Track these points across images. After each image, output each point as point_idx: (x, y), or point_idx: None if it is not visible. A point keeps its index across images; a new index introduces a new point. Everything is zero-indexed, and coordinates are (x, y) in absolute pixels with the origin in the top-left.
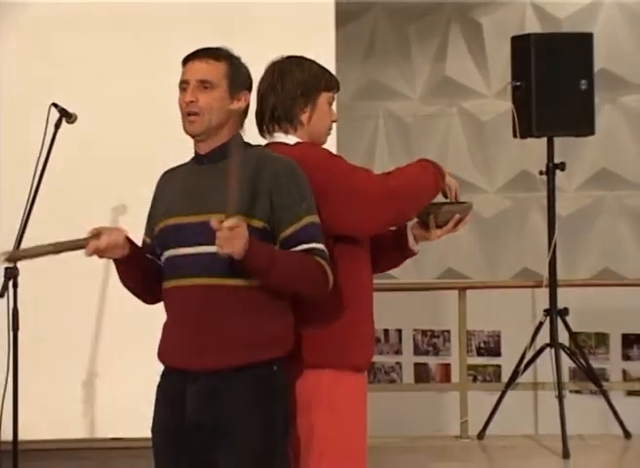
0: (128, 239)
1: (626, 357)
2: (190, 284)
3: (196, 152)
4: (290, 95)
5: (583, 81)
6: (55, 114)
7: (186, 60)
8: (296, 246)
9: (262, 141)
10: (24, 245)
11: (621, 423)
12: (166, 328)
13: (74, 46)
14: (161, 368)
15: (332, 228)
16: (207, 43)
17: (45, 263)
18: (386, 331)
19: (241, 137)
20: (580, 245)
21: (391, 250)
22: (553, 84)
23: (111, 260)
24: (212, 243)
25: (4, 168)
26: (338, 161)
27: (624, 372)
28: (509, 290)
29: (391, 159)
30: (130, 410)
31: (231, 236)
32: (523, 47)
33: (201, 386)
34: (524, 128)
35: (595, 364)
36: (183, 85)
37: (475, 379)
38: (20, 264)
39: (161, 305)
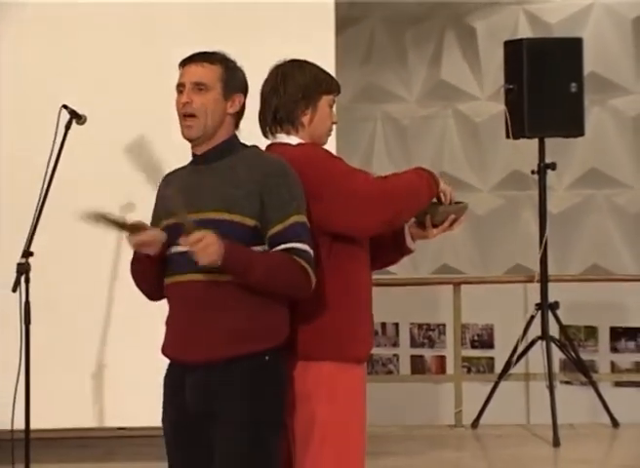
0: None
1: (614, 349)
2: (187, 279)
3: (193, 153)
4: (292, 97)
5: (573, 84)
6: (65, 116)
7: (183, 64)
8: (281, 244)
9: (263, 142)
10: (35, 244)
11: (610, 413)
12: (167, 322)
13: (83, 46)
14: (165, 360)
15: (330, 227)
16: (213, 45)
17: (55, 259)
18: (384, 325)
19: (237, 138)
20: (571, 242)
21: (389, 247)
22: (544, 87)
23: (119, 257)
24: None
25: (14, 168)
26: (337, 163)
27: (612, 364)
28: (502, 285)
29: (389, 159)
30: (136, 401)
31: (202, 248)
32: (515, 51)
33: (197, 378)
34: (516, 129)
35: (584, 356)
36: (180, 87)
37: (469, 371)
38: (31, 260)
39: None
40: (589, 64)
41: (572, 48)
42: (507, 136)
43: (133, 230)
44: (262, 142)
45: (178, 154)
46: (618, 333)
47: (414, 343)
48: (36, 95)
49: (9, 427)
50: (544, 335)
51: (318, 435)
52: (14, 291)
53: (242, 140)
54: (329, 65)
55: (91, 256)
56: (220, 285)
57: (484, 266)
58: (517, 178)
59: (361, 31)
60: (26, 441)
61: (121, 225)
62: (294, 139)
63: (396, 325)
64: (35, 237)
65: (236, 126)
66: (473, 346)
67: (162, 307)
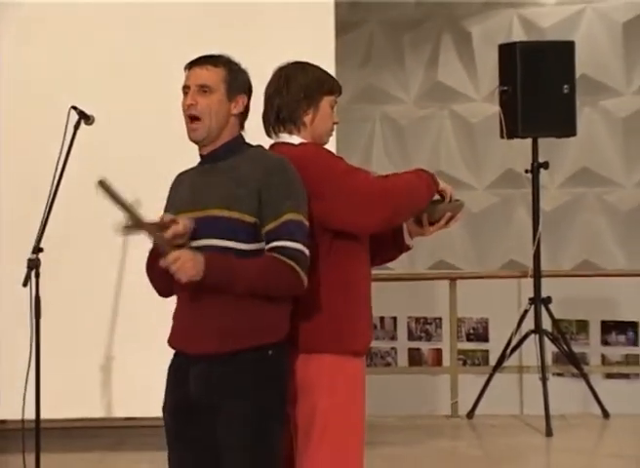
0: None
1: (605, 342)
2: None
3: (200, 154)
4: (294, 98)
5: (566, 86)
6: (74, 116)
7: (188, 67)
8: (271, 241)
9: (266, 141)
10: (45, 241)
11: (600, 404)
12: (174, 315)
13: (91, 47)
14: (171, 352)
15: (331, 225)
16: (216, 46)
17: (64, 255)
18: (382, 319)
19: (242, 138)
20: (563, 238)
21: (388, 245)
22: (538, 88)
23: (127, 253)
24: (210, 237)
25: (24, 167)
26: (339, 162)
27: (603, 357)
28: (497, 280)
29: (387, 158)
30: (144, 392)
31: (179, 266)
32: (510, 54)
33: (200, 369)
34: (510, 129)
35: (576, 349)
36: (185, 89)
37: (465, 363)
38: (41, 256)
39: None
40: (581, 67)
41: (564, 51)
42: (502, 137)
43: (163, 227)
44: (260, 141)
45: (187, 153)
46: (608, 327)
47: (411, 337)
48: (46, 95)
49: (20, 417)
50: (537, 329)
51: (319, 425)
52: (24, 285)
53: (248, 140)
54: (329, 67)
55: (99, 253)
56: None
57: (479, 262)
58: (511, 177)
59: (360, 34)
60: (37, 430)
61: (149, 226)
62: (296, 139)
63: (394, 319)
64: (45, 233)
65: (241, 126)
66: (469, 339)
67: (168, 301)
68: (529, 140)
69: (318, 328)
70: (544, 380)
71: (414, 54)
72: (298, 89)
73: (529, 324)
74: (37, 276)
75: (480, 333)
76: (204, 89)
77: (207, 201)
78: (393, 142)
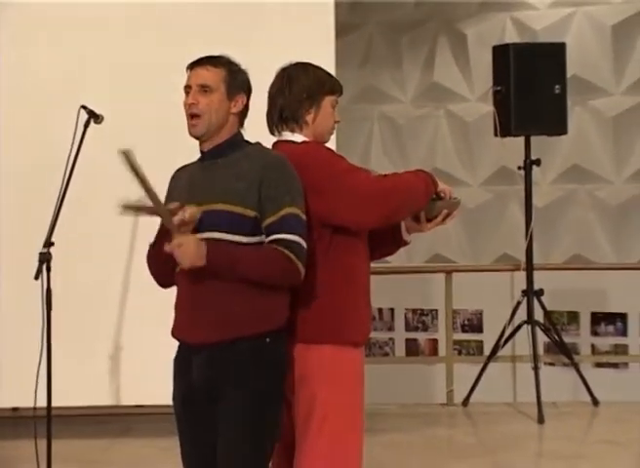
0: None
1: (595, 333)
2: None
3: (201, 150)
4: (296, 98)
5: (557, 86)
6: (84, 115)
7: (190, 67)
8: (271, 234)
9: (269, 139)
10: (56, 236)
11: (590, 392)
12: (176, 306)
13: (95, 47)
14: (177, 343)
15: (331, 221)
16: (219, 46)
17: (75, 248)
18: (380, 310)
19: (241, 135)
20: (554, 233)
21: (387, 240)
22: (530, 88)
23: (134, 247)
24: (210, 229)
25: (36, 164)
26: (340, 161)
27: (593, 347)
28: (491, 273)
29: (385, 156)
30: (151, 380)
31: (182, 251)
32: (503, 55)
33: (202, 357)
34: (504, 128)
35: (567, 339)
36: (187, 89)
37: (460, 353)
38: (52, 250)
39: None
40: (572, 68)
41: (555, 52)
42: (496, 135)
43: (170, 213)
44: (261, 139)
45: (191, 151)
46: (598, 318)
47: (408, 327)
48: (55, 94)
49: (32, 405)
50: (530, 320)
51: (318, 415)
52: (36, 278)
53: (248, 137)
54: (329, 68)
55: (108, 246)
56: None
57: (474, 255)
58: (505, 174)
59: (359, 36)
60: (48, 417)
61: (156, 211)
62: (298, 137)
63: (392, 310)
64: (56, 228)
65: (240, 124)
66: (464, 330)
67: (174, 292)
68: (522, 139)
69: (319, 319)
70: (536, 369)
71: (411, 55)
72: (300, 89)
73: (521, 315)
74: (48, 269)
75: (475, 324)
76: (205, 88)
77: (208, 195)
78: (391, 141)
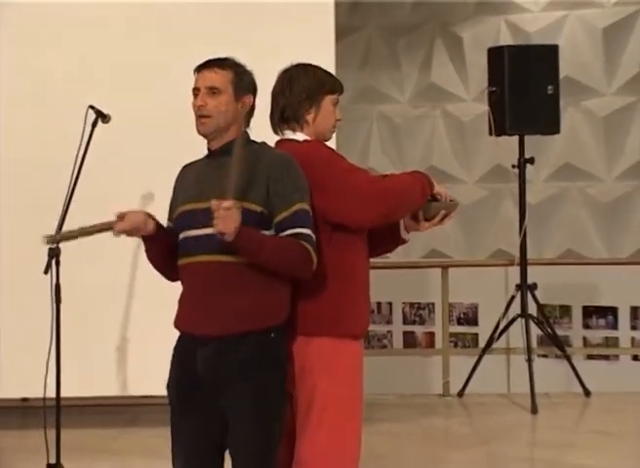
0: (153, 220)
1: (586, 326)
2: (199, 260)
3: (209, 148)
4: (297, 98)
5: (550, 87)
6: (91, 115)
7: (198, 70)
8: (286, 229)
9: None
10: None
11: (582, 383)
12: (181, 299)
13: (98, 47)
14: None
15: (331, 219)
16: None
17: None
18: (379, 304)
19: (247, 135)
20: (547, 229)
21: (386, 238)
22: (524, 89)
23: (141, 242)
24: None
25: (45, 163)
26: (341, 161)
27: (585, 339)
28: (486, 268)
29: (383, 155)
30: (157, 371)
31: (225, 216)
32: (498, 57)
33: (209, 350)
34: (499, 127)
35: (560, 332)
36: (195, 91)
37: (456, 345)
38: (61, 244)
39: None
40: (564, 69)
41: (548, 54)
42: (490, 134)
43: (109, 227)
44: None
45: (195, 149)
46: (589, 312)
47: (406, 321)
48: (55, 94)
49: (41, 395)
50: (524, 313)
51: (318, 406)
52: (45, 273)
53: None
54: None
55: (115, 242)
56: (231, 266)
57: (469, 251)
58: (499, 172)
59: (359, 38)
60: (57, 408)
61: (92, 230)
62: (300, 136)
63: (390, 304)
64: (65, 224)
65: (247, 124)
66: (459, 323)
67: (179, 287)
68: (516, 138)
69: (319, 312)
70: (530, 361)
71: (409, 57)
72: (300, 90)
73: (515, 309)
74: (57, 264)
75: (470, 318)
76: (213, 90)
77: (214, 193)
78: (389, 140)
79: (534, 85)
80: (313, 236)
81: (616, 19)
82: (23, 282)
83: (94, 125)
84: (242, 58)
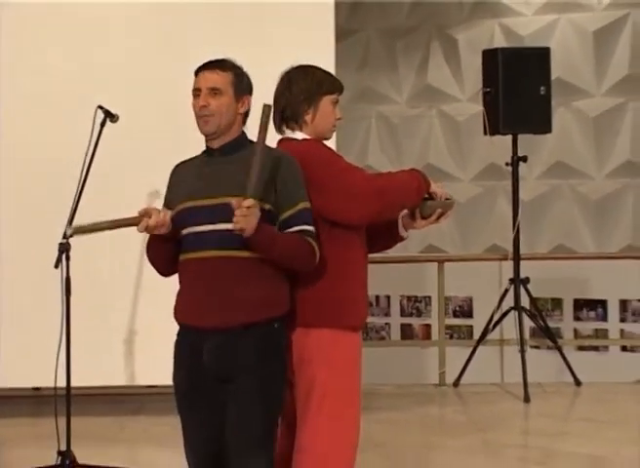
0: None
1: (577, 318)
2: (206, 255)
3: (208, 147)
4: (295, 99)
5: (542, 87)
6: (100, 115)
7: (198, 71)
8: (291, 227)
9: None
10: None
11: (573, 373)
12: (183, 293)
13: (98, 47)
14: None
15: (328, 216)
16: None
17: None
18: (377, 297)
19: (245, 134)
20: (540, 225)
21: (385, 235)
22: (517, 90)
23: (147, 237)
24: (225, 221)
25: (55, 161)
26: (338, 160)
27: (575, 331)
28: (480, 262)
29: (382, 153)
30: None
31: (247, 214)
32: (492, 59)
33: (216, 342)
34: (493, 126)
35: (551, 324)
36: (197, 92)
37: (451, 337)
38: (71, 240)
39: None
40: (556, 71)
41: (541, 56)
42: (485, 133)
43: (135, 222)
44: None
45: (197, 148)
46: (580, 304)
47: (403, 313)
48: (55, 93)
49: (52, 385)
50: (517, 306)
51: (317, 394)
52: (56, 267)
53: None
54: (329, 66)
55: (123, 236)
56: (239, 260)
57: (464, 246)
58: (493, 170)
59: (358, 41)
60: (67, 397)
61: (117, 224)
62: (299, 135)
63: (388, 297)
64: (74, 220)
65: (243, 123)
66: (455, 315)
67: None
68: (509, 137)
69: (319, 305)
70: (523, 352)
71: (406, 59)
72: (298, 91)
73: (509, 301)
74: (67, 258)
75: (465, 310)
76: (215, 91)
77: (224, 189)
78: (387, 139)
79: (526, 86)
80: (315, 232)
81: (605, 22)
82: (35, 275)
83: (102, 124)
84: (244, 59)
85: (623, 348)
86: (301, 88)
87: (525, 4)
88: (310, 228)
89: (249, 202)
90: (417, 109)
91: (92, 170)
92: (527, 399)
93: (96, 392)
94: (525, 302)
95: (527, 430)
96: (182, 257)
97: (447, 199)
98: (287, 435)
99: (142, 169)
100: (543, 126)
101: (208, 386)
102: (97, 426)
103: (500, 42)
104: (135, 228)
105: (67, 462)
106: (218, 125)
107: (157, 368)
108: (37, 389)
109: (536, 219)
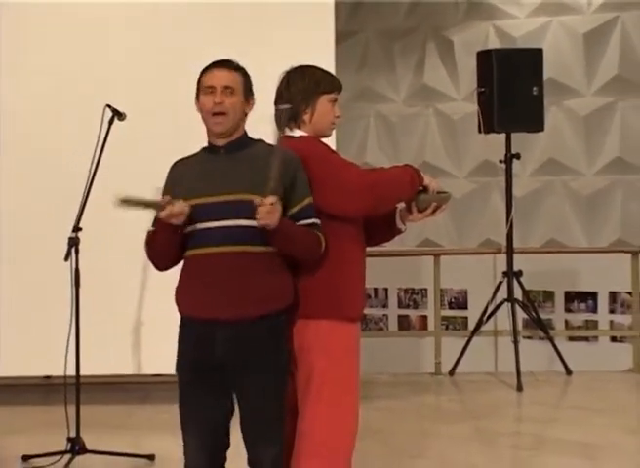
0: None
1: (568, 310)
2: (218, 251)
3: (212, 144)
4: (294, 99)
5: (535, 87)
6: (108, 113)
7: (211, 68)
8: (301, 220)
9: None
10: (86, 222)
11: (564, 363)
12: (189, 287)
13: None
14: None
15: (325, 210)
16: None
17: (100, 233)
18: (375, 289)
19: (247, 133)
20: (532, 220)
21: (383, 228)
22: (511, 90)
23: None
24: (238, 217)
25: (66, 159)
26: (335, 156)
27: (566, 322)
28: (475, 255)
29: (380, 151)
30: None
31: (271, 210)
32: (486, 60)
33: (229, 333)
34: (487, 125)
35: (543, 315)
36: (210, 89)
37: (447, 328)
38: (80, 234)
39: None
40: (548, 71)
41: (533, 57)
42: (479, 131)
43: (160, 207)
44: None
45: (198, 145)
46: (571, 297)
47: (400, 305)
48: (55, 93)
49: (62, 373)
50: (510, 298)
51: (316, 383)
52: (65, 260)
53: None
54: (329, 66)
55: (130, 231)
56: (246, 255)
57: (460, 240)
58: (488, 167)
59: (357, 43)
60: (77, 385)
61: (149, 204)
62: (297, 132)
63: (386, 289)
64: (83, 215)
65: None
66: (450, 307)
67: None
68: (503, 135)
69: (318, 296)
70: (516, 343)
71: (403, 59)
72: (296, 92)
73: (502, 294)
74: (77, 252)
75: (460, 302)
76: (229, 90)
77: (231, 186)
78: (385, 137)
79: (520, 86)
80: (320, 225)
81: (595, 24)
82: (46, 268)
83: (110, 122)
84: (244, 60)
85: (613, 339)
86: (299, 88)
87: (518, 7)
88: (317, 221)
89: (272, 199)
90: (414, 108)
91: (101, 166)
92: (520, 388)
93: (104, 381)
94: (518, 294)
95: (519, 418)
96: (191, 253)
97: (442, 192)
98: (289, 422)
99: (143, 167)
100: (536, 124)
101: (212, 377)
102: (105, 414)
103: (494, 43)
104: (138, 223)
105: (77, 448)
106: (230, 124)
107: (163, 357)
108: (48, 378)
109: (528, 214)
